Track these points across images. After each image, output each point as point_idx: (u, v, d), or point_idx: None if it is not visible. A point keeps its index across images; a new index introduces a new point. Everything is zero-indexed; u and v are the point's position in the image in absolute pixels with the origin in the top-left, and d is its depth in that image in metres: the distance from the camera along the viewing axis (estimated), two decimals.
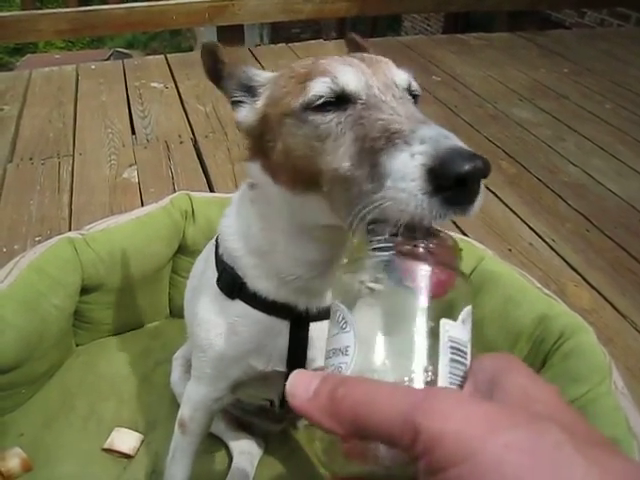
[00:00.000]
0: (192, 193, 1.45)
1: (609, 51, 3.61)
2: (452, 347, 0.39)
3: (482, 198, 0.47)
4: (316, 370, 0.80)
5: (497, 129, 2.57)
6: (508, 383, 0.37)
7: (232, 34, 3.52)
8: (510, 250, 1.77)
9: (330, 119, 0.57)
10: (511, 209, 1.99)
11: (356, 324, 0.41)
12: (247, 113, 0.70)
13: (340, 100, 0.57)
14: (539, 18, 4.66)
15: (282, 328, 0.77)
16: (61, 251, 1.24)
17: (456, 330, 0.40)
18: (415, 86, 0.62)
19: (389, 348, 0.40)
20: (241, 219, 0.77)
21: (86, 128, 2.46)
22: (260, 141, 0.68)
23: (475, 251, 1.23)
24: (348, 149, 0.55)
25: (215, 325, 0.80)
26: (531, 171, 2.24)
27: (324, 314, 0.75)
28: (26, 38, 3.35)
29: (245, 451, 1.12)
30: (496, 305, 1.12)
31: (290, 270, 0.73)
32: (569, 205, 2.03)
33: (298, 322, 0.77)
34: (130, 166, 2.14)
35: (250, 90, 0.70)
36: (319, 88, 0.57)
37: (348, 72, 0.58)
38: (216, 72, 0.70)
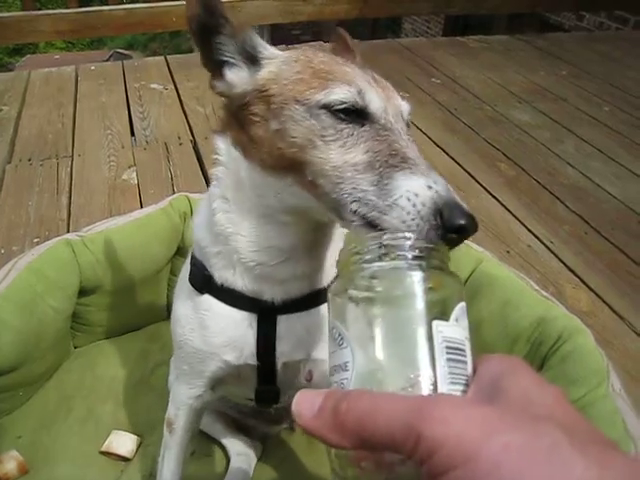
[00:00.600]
0: (191, 195, 1.45)
1: (608, 54, 3.62)
2: (448, 347, 0.40)
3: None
4: (286, 363, 0.79)
5: (496, 131, 2.58)
6: (510, 385, 0.37)
7: None
8: (508, 252, 1.77)
9: (342, 128, 0.60)
10: (510, 211, 1.99)
11: (352, 339, 0.41)
12: (241, 79, 0.69)
13: (359, 113, 0.60)
14: (538, 21, 4.67)
15: (251, 321, 0.78)
16: (59, 253, 1.24)
17: (450, 330, 0.41)
18: (409, 115, 0.67)
19: (386, 358, 0.40)
20: (208, 206, 0.77)
21: (85, 129, 2.46)
22: (241, 112, 0.68)
23: (473, 253, 1.23)
24: (359, 155, 0.59)
25: (189, 320, 0.81)
26: (530, 173, 2.24)
27: (290, 306, 0.76)
28: (26, 39, 3.36)
29: (243, 453, 1.12)
30: (494, 308, 1.12)
31: (252, 256, 0.73)
32: (567, 207, 2.03)
33: (265, 315, 0.77)
34: (129, 167, 2.14)
35: (251, 58, 0.69)
36: (345, 95, 0.60)
37: (371, 91, 0.62)
38: (205, 23, 0.66)
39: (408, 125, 0.65)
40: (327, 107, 0.60)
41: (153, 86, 2.90)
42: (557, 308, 1.09)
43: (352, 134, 0.60)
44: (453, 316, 0.42)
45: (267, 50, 0.70)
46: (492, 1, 3.92)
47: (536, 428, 0.32)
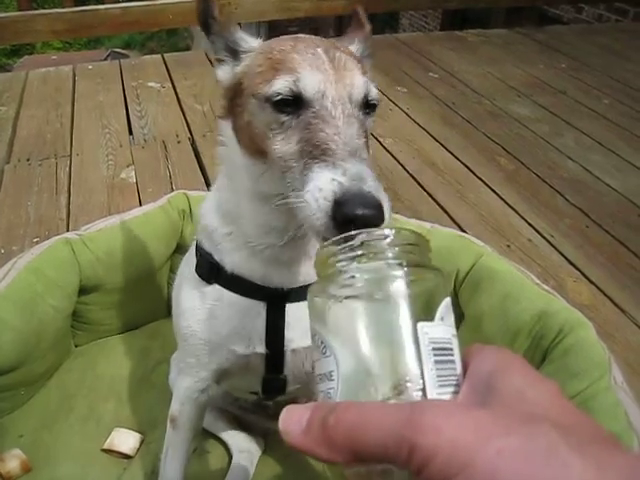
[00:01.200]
0: (190, 192, 1.45)
1: (607, 46, 3.61)
2: (435, 349, 0.39)
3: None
4: (294, 350, 0.79)
5: (495, 125, 2.57)
6: (504, 384, 0.36)
7: None
8: (509, 246, 1.77)
9: (283, 119, 0.63)
10: (510, 205, 1.99)
11: (335, 347, 0.40)
12: (226, 74, 0.74)
13: (297, 101, 0.62)
14: (536, 14, 4.65)
15: (260, 310, 0.79)
16: (58, 252, 1.24)
17: (436, 330, 0.39)
18: (373, 95, 0.65)
19: (371, 365, 0.38)
20: (216, 188, 0.81)
21: (83, 129, 2.45)
22: (232, 102, 0.72)
23: (474, 247, 1.23)
24: (293, 146, 0.61)
25: (196, 312, 0.82)
26: (530, 167, 2.24)
27: (299, 294, 0.77)
28: (23, 39, 3.35)
29: (244, 449, 1.12)
30: (495, 301, 1.12)
31: (258, 238, 0.75)
32: (568, 201, 2.03)
33: (274, 303, 0.79)
34: (128, 166, 2.14)
35: (234, 53, 0.73)
36: (280, 86, 0.62)
37: (308, 77, 0.62)
38: (208, 24, 0.73)
39: (365, 105, 0.64)
40: (269, 100, 0.63)
41: (150, 84, 2.89)
42: (558, 301, 1.09)
43: (291, 125, 0.62)
44: (438, 315, 0.40)
45: (247, 43, 0.73)
46: None
47: (531, 430, 0.31)
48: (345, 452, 0.35)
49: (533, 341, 1.06)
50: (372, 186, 0.53)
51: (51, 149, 2.27)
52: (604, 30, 4.10)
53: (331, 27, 8.01)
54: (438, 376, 0.38)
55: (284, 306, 0.79)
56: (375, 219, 0.51)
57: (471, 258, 1.20)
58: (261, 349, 0.81)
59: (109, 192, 1.97)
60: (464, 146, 2.38)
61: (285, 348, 0.81)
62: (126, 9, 3.23)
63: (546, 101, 2.82)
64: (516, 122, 2.61)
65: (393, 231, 0.42)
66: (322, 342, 0.41)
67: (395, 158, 2.27)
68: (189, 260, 0.88)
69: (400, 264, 0.41)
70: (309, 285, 0.47)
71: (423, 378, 0.38)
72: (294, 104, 0.62)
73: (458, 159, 2.28)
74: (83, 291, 1.29)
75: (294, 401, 0.95)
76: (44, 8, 4.19)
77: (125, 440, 1.15)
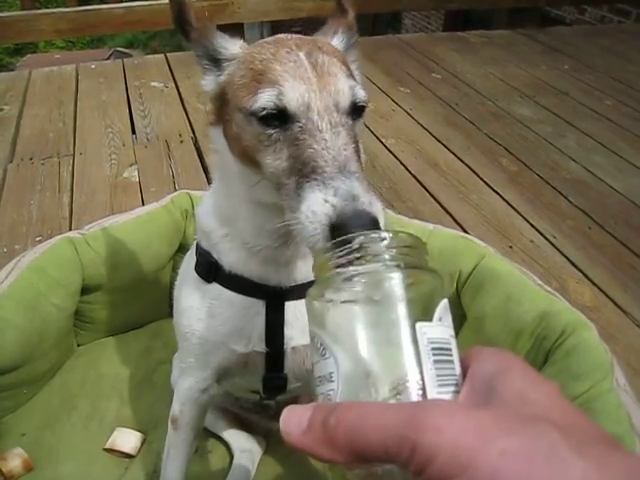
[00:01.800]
0: (192, 192, 1.45)
1: (609, 48, 3.61)
2: (434, 349, 0.39)
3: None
4: (294, 348, 0.79)
5: (498, 126, 2.57)
6: (505, 385, 0.37)
7: (232, 33, 3.50)
8: (511, 247, 1.77)
9: (271, 133, 0.61)
10: (512, 206, 1.98)
11: (334, 348, 0.40)
12: (210, 84, 0.72)
13: (283, 114, 0.60)
14: (539, 15, 4.64)
15: (259, 308, 0.79)
16: (61, 251, 1.24)
17: (434, 330, 0.39)
18: (360, 98, 0.63)
19: (371, 366, 0.39)
20: (212, 190, 0.81)
21: (86, 128, 2.46)
22: (220, 111, 0.71)
23: (476, 248, 1.23)
24: (283, 162, 0.60)
25: (195, 311, 0.82)
26: (532, 168, 2.24)
27: (297, 292, 0.77)
28: (26, 38, 3.35)
29: (246, 449, 1.12)
30: (497, 303, 1.12)
31: (255, 240, 0.75)
32: (570, 202, 2.03)
33: (273, 301, 0.79)
34: (130, 165, 2.14)
35: (215, 61, 0.72)
36: (264, 101, 0.60)
37: (292, 90, 0.60)
38: (185, 30, 0.72)
39: (353, 110, 0.63)
40: (254, 115, 0.62)
41: (154, 84, 2.90)
42: (560, 303, 1.09)
43: (279, 139, 0.61)
44: (436, 315, 0.40)
45: (228, 51, 0.71)
46: None
47: (532, 430, 0.31)
48: (346, 452, 0.35)
49: (535, 342, 1.06)
50: (364, 202, 0.53)
51: (54, 148, 2.27)
52: (606, 31, 4.09)
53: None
54: (437, 376, 0.38)
55: (283, 304, 0.79)
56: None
57: (473, 259, 1.20)
58: (261, 348, 0.81)
59: (112, 191, 1.98)
60: (466, 147, 2.38)
61: (285, 346, 0.81)
62: (129, 8, 3.24)
63: (548, 102, 2.82)
64: (518, 123, 2.60)
65: (390, 234, 0.43)
66: (321, 344, 0.41)
67: (397, 158, 2.27)
68: (190, 259, 0.88)
69: (398, 266, 0.41)
70: (308, 283, 0.47)
71: (422, 378, 0.38)
72: (280, 117, 0.60)
73: (460, 160, 2.28)
74: (86, 290, 1.30)
75: (295, 401, 0.95)
76: (47, 7, 4.19)
77: (127, 440, 1.15)
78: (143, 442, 1.16)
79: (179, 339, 0.89)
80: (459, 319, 1.19)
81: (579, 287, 1.61)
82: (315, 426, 0.36)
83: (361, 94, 0.63)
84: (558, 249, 1.77)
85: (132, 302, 1.39)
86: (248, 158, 0.67)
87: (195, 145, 2.30)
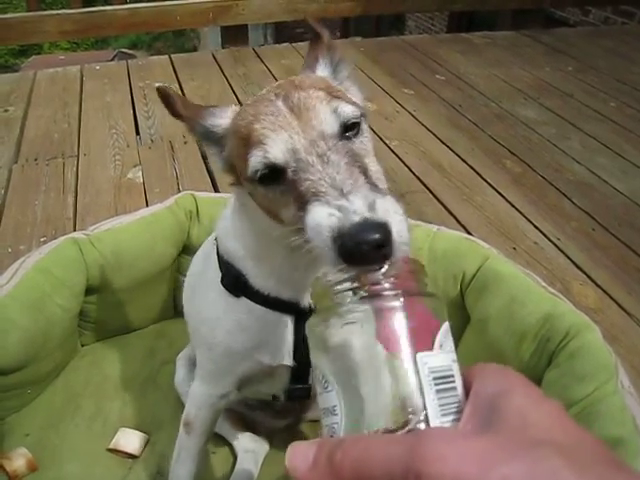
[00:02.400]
0: (197, 193, 1.45)
1: (613, 49, 3.60)
2: (435, 378, 0.39)
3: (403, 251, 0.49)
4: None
5: (502, 128, 2.57)
6: (507, 407, 0.37)
7: (236, 34, 3.52)
8: (515, 249, 1.76)
9: (274, 190, 0.62)
10: (516, 208, 1.98)
11: (336, 381, 0.40)
12: (218, 161, 0.74)
13: (276, 169, 0.60)
14: (543, 16, 4.63)
15: (287, 322, 0.79)
16: (66, 251, 1.24)
17: (435, 359, 0.39)
18: (348, 116, 0.61)
19: (373, 399, 0.39)
20: (237, 225, 0.80)
21: (91, 129, 2.46)
22: (238, 179, 0.71)
23: (480, 250, 1.23)
24: (292, 209, 0.60)
25: (222, 323, 0.81)
26: (536, 170, 2.23)
27: None
28: (31, 39, 3.37)
29: (249, 449, 1.12)
30: (501, 305, 1.12)
31: (289, 274, 0.76)
32: (574, 204, 2.02)
33: (302, 316, 0.79)
34: (135, 166, 2.15)
35: (215, 140, 0.73)
36: (255, 165, 0.61)
37: (276, 143, 0.60)
38: (179, 118, 0.75)
39: (345, 129, 0.61)
40: (254, 180, 0.62)
41: (158, 85, 2.90)
42: (564, 304, 1.08)
43: (282, 191, 0.61)
44: (437, 342, 0.40)
45: (220, 127, 0.72)
46: None
47: (534, 455, 0.31)
48: None
49: (539, 344, 1.06)
50: (373, 210, 0.51)
51: (58, 149, 2.28)
52: (610, 33, 4.08)
53: (337, 29, 8.02)
54: (440, 405, 0.38)
55: None
56: (380, 241, 0.48)
57: (477, 261, 1.20)
58: (288, 362, 0.81)
59: (116, 192, 1.98)
60: (470, 148, 2.38)
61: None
62: (134, 10, 3.25)
63: (552, 104, 2.81)
64: (522, 125, 2.60)
65: (388, 262, 0.43)
66: (323, 377, 0.41)
67: (401, 160, 2.27)
68: (205, 264, 0.87)
69: (396, 295, 0.41)
70: None
71: (425, 409, 0.38)
72: (275, 172, 0.60)
73: (464, 161, 2.28)
74: (90, 291, 1.30)
75: (313, 399, 0.95)
76: (52, 9, 4.21)
77: (130, 440, 1.15)
78: (147, 443, 1.16)
79: (199, 347, 0.88)
80: (463, 321, 1.19)
81: (583, 289, 1.61)
82: (321, 462, 0.37)
83: (347, 111, 0.61)
84: (562, 251, 1.77)
85: (136, 303, 1.40)
86: (274, 217, 0.66)
87: (199, 146, 2.30)
